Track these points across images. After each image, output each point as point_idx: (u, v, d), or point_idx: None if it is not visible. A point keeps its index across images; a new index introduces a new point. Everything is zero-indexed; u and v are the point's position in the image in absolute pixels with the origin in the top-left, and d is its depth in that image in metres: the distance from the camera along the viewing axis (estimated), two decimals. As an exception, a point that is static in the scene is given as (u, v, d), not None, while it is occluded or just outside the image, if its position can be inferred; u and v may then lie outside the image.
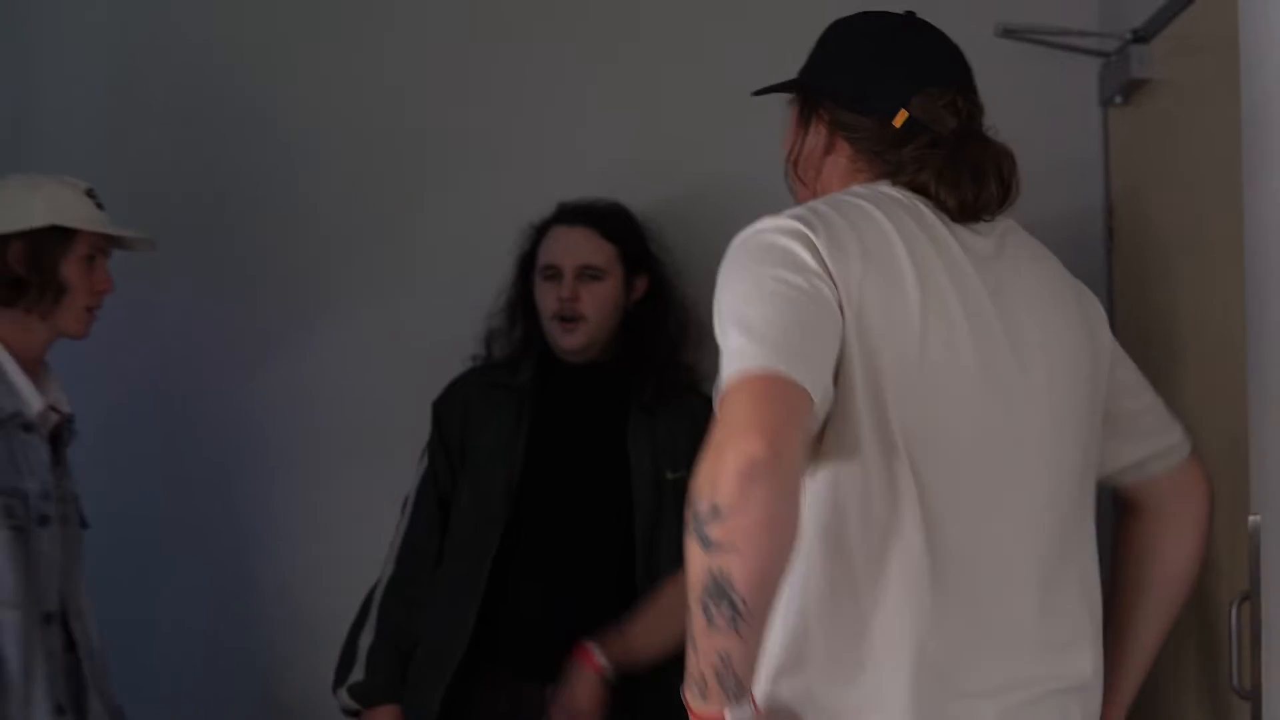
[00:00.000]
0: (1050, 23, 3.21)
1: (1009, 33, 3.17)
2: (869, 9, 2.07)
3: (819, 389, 1.73)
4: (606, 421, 3.00)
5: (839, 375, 1.80)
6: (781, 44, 2.22)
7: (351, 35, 3.49)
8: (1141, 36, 2.96)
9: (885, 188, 1.94)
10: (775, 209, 3.19)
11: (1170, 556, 2.16)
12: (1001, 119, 3.04)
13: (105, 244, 2.68)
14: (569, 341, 3.01)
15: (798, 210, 1.86)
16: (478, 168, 3.40)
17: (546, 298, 3.03)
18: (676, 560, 2.92)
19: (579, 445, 3.00)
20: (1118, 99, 3.13)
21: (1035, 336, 1.94)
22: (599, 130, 3.41)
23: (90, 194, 2.66)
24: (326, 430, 3.40)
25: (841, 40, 2.02)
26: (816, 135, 1.99)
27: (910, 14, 2.01)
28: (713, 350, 3.02)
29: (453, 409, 3.03)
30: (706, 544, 1.63)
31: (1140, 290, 3.03)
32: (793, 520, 1.66)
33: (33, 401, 2.59)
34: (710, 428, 1.70)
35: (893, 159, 1.92)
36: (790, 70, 2.10)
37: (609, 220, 3.09)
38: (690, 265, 3.13)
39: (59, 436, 2.67)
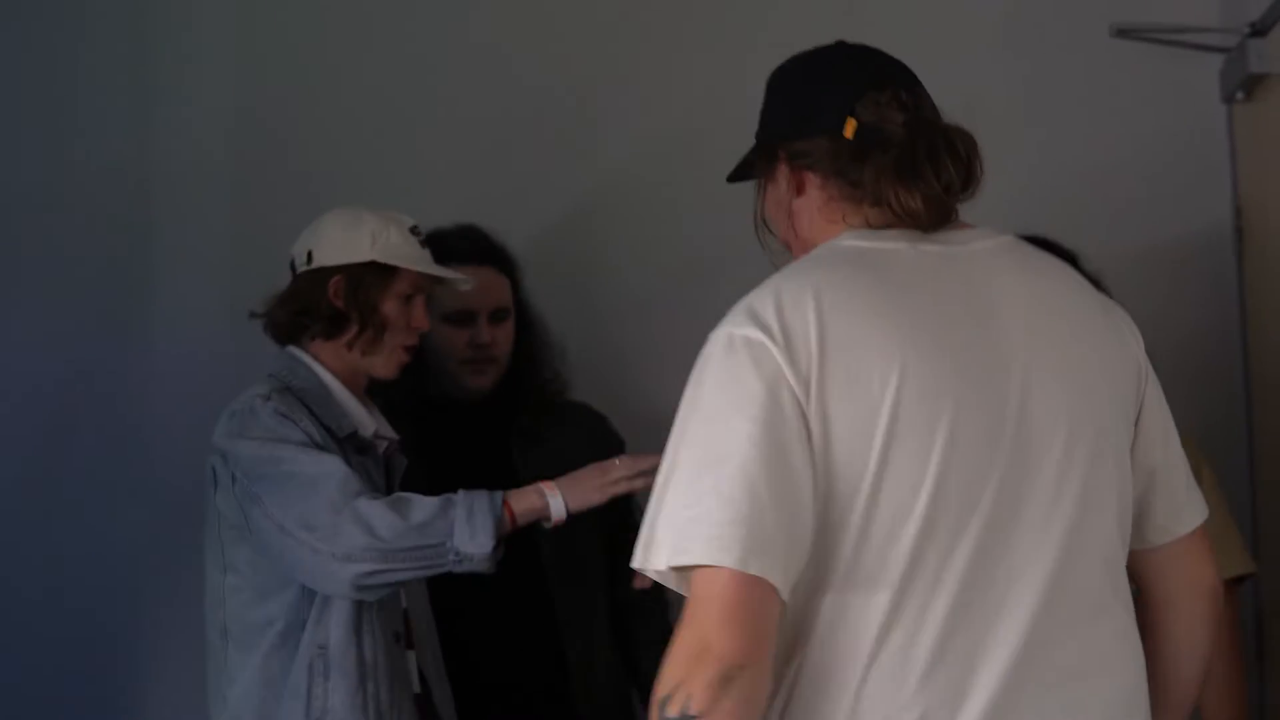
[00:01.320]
0: (1167, 20, 3.12)
1: (1124, 33, 3.09)
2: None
3: (789, 584, 1.66)
4: (488, 456, 2.88)
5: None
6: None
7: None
8: (1260, 30, 2.87)
9: (849, 240, 1.81)
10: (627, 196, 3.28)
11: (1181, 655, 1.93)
12: (1121, 122, 2.99)
13: (425, 283, 2.63)
14: (481, 383, 2.92)
15: (763, 311, 1.72)
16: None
17: (454, 341, 2.90)
18: (590, 566, 2.90)
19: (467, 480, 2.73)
20: (1239, 95, 3.05)
21: (1053, 386, 1.77)
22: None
23: (414, 231, 2.63)
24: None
25: (777, 82, 1.94)
26: (781, 181, 1.89)
27: (840, 42, 1.93)
28: (574, 361, 3.05)
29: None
30: None
31: (1275, 294, 2.94)
32: None
33: (365, 423, 2.58)
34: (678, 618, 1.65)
35: (856, 176, 1.81)
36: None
37: (503, 253, 2.99)
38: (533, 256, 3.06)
39: (391, 462, 2.65)
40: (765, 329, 1.70)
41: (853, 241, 1.80)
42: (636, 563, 1.69)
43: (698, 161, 2.71)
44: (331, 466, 2.42)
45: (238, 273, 3.22)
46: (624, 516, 2.80)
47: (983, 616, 1.70)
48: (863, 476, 1.68)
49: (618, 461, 2.47)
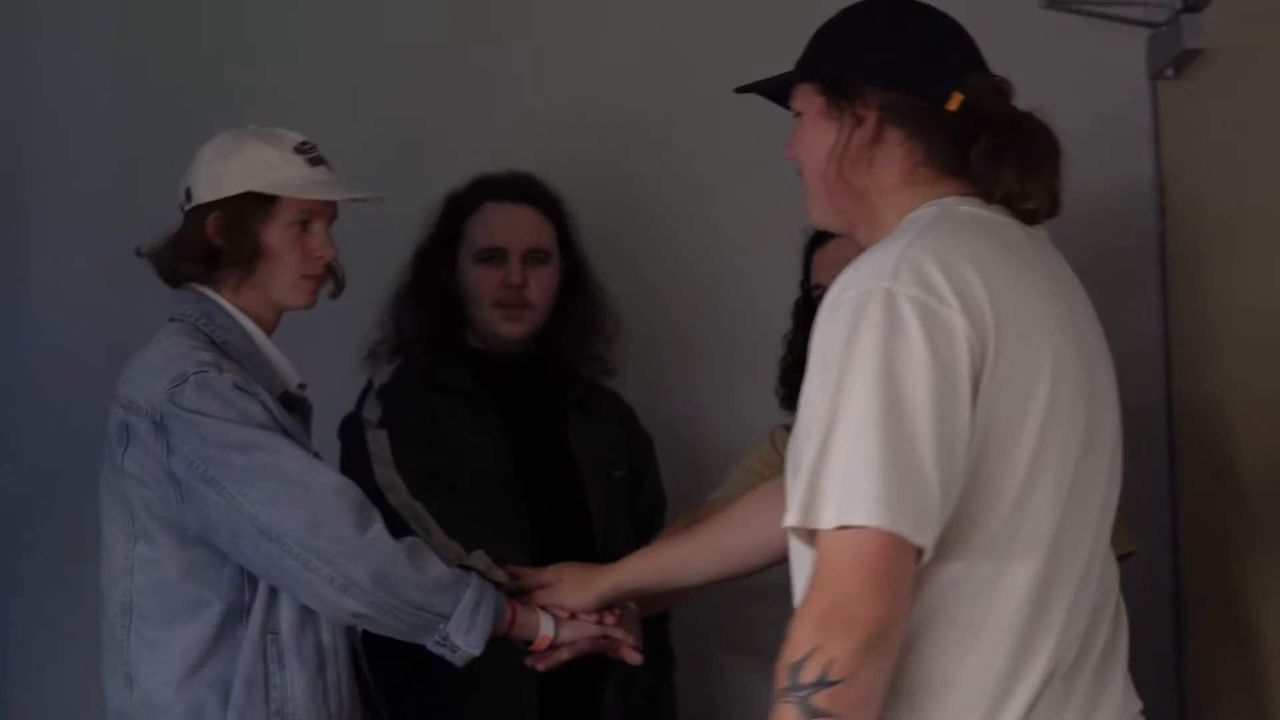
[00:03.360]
0: (1096, -9, 3.06)
1: (1055, 3, 3.02)
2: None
3: (933, 545, 1.65)
4: (544, 420, 2.79)
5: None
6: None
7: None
8: (1193, 5, 2.83)
9: (967, 207, 1.80)
10: (676, 173, 3.19)
11: None
12: (1047, 95, 2.92)
13: (324, 207, 2.38)
14: (512, 330, 2.76)
15: (934, 274, 1.67)
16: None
17: (485, 283, 2.76)
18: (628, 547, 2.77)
19: (525, 444, 2.76)
20: (1168, 72, 3.01)
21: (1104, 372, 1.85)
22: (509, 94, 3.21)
23: (303, 148, 2.37)
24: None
25: (871, 20, 1.87)
26: (858, 126, 1.81)
27: (936, 8, 1.89)
28: (628, 347, 2.94)
29: (413, 413, 2.70)
30: (810, 713, 1.59)
31: (1196, 273, 2.93)
32: (885, 692, 1.64)
33: (291, 376, 2.38)
34: (815, 571, 1.63)
35: (948, 149, 1.79)
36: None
37: (549, 198, 2.84)
38: (601, 249, 2.92)
39: (308, 412, 2.47)
40: (934, 291, 1.66)
41: (972, 209, 1.79)
42: (792, 521, 1.64)
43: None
44: (322, 471, 2.23)
45: (115, 222, 3.14)
46: (653, 506, 2.81)
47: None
48: (1021, 451, 1.69)
49: (612, 619, 2.34)
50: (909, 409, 1.62)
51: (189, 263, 2.35)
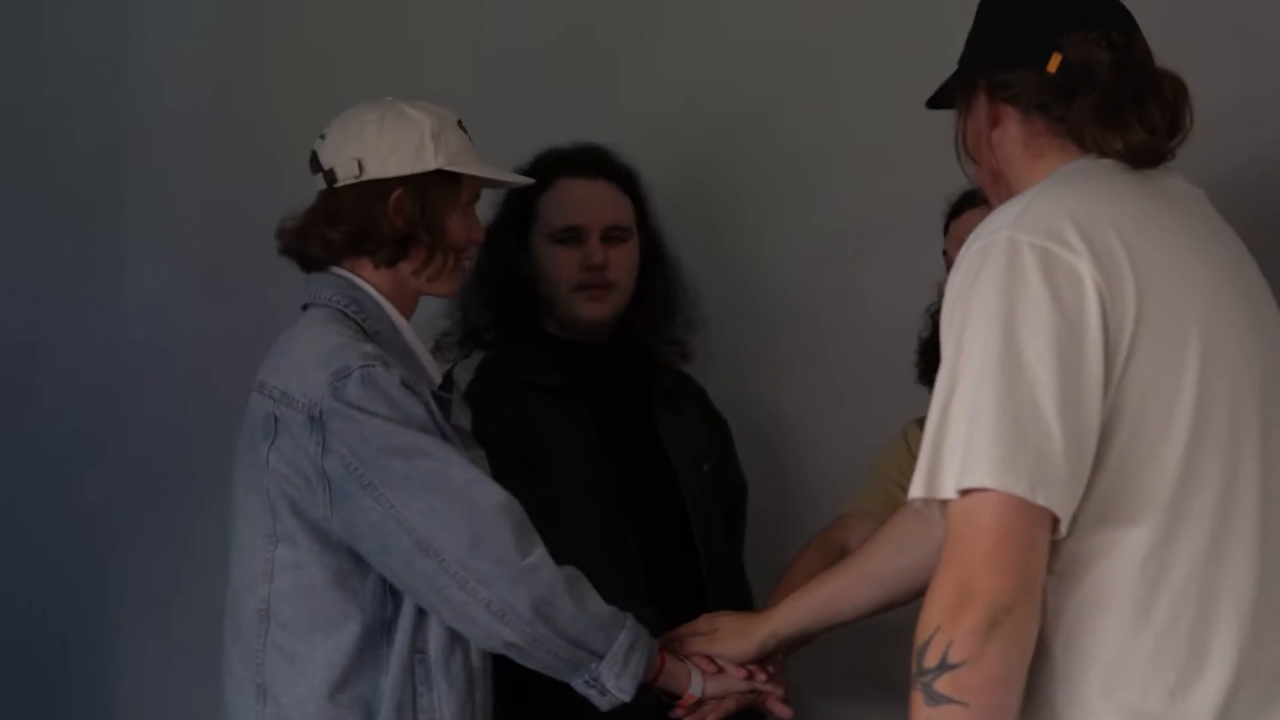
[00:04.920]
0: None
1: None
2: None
3: (1069, 519, 1.58)
4: (633, 415, 2.63)
5: None
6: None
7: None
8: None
9: (1089, 164, 1.78)
10: (770, 154, 2.99)
11: None
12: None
13: (479, 189, 2.29)
14: (596, 312, 2.59)
15: (1060, 222, 1.63)
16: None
17: (564, 264, 2.59)
18: (731, 559, 2.65)
19: (621, 445, 2.58)
20: None
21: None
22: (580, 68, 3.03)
23: (461, 125, 2.26)
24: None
25: (984, 8, 1.92)
26: (979, 111, 1.86)
27: None
28: (704, 321, 2.77)
29: (504, 410, 2.53)
30: (933, 698, 1.54)
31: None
32: (1024, 675, 1.57)
33: (435, 372, 2.25)
34: (945, 542, 1.56)
35: (1061, 112, 1.78)
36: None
37: (625, 172, 2.66)
38: (676, 215, 2.76)
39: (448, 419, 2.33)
40: (1059, 238, 1.61)
41: (1103, 164, 1.76)
42: (917, 492, 1.59)
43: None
44: (486, 485, 2.06)
45: (211, 214, 3.09)
46: (736, 494, 2.70)
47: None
48: (1181, 412, 1.61)
49: (763, 676, 2.22)
50: (1028, 360, 1.55)
51: (375, 245, 2.17)
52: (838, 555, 2.33)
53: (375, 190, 2.16)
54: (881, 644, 2.38)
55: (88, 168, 3.20)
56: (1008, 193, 1.79)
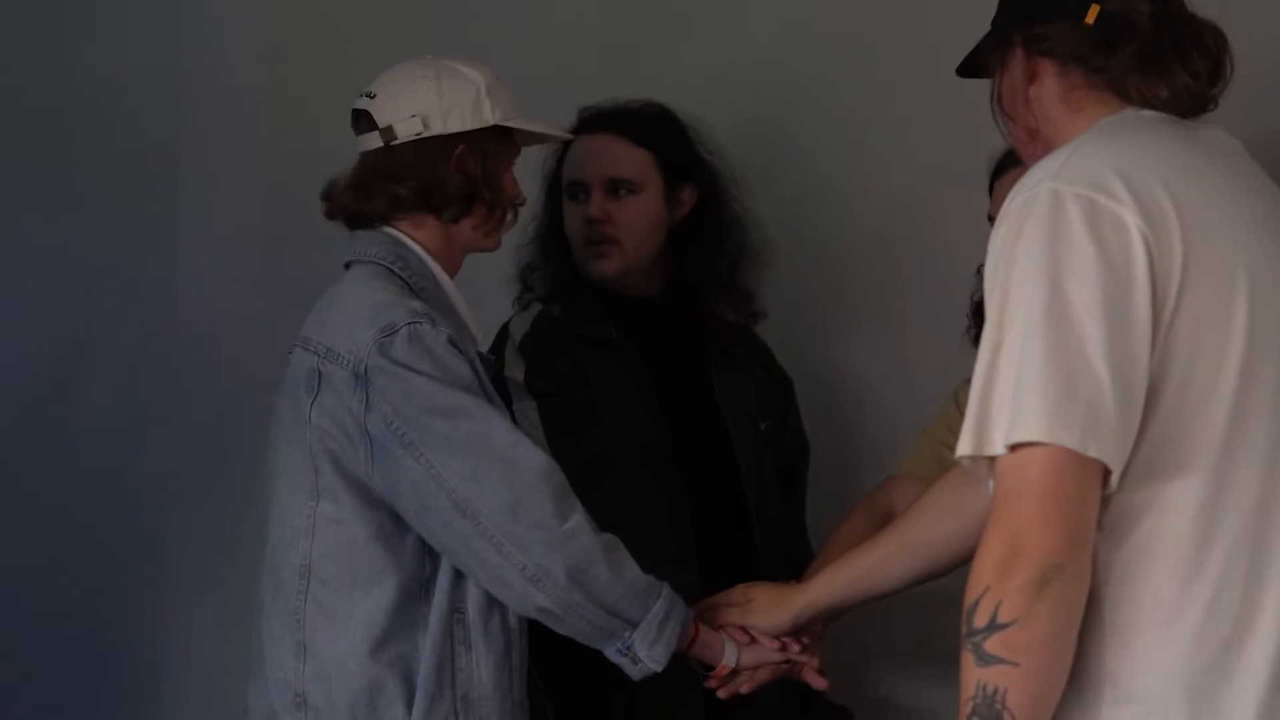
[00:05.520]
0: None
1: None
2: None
3: (1120, 471, 1.53)
4: (688, 370, 2.57)
5: None
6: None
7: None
8: None
9: (1131, 117, 1.73)
10: (843, 113, 2.90)
11: None
12: None
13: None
14: (601, 268, 2.53)
15: (1104, 172, 1.59)
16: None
17: (573, 220, 2.55)
18: (784, 521, 2.57)
19: (675, 401, 2.53)
20: None
21: None
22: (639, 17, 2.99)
23: (500, 81, 2.26)
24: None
25: None
26: (1015, 68, 1.82)
27: None
28: (776, 279, 2.69)
29: (558, 362, 2.50)
30: (983, 659, 1.50)
31: None
32: (1075, 633, 1.53)
33: (478, 336, 2.22)
34: (995, 498, 1.51)
35: (1100, 63, 1.75)
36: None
37: (640, 122, 2.57)
38: (750, 174, 2.65)
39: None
40: (1102, 188, 1.57)
41: (1146, 114, 1.73)
42: (965, 450, 1.54)
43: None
44: (529, 449, 2.02)
45: (270, 192, 3.09)
46: (796, 454, 2.65)
47: None
48: (1230, 362, 1.56)
49: (796, 646, 2.17)
50: (1075, 311, 1.51)
51: (444, 202, 2.14)
52: (883, 519, 2.28)
53: (437, 146, 2.14)
54: (926, 613, 2.36)
55: (141, 154, 3.23)
56: (1044, 150, 1.75)
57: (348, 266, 2.16)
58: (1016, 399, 1.50)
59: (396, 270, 2.11)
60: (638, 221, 2.54)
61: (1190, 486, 1.55)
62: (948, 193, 2.70)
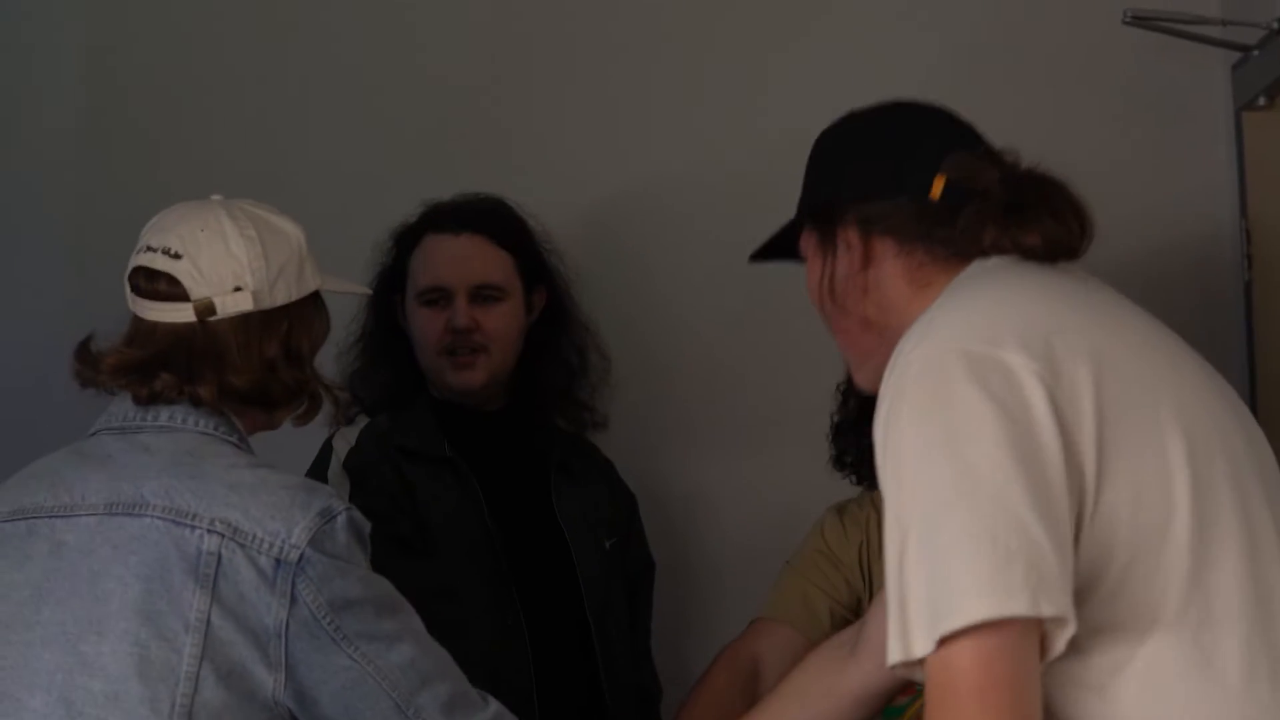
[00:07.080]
0: (1178, 9, 2.73)
1: (1137, 20, 2.69)
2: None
3: (1069, 609, 1.39)
4: (527, 486, 2.46)
5: None
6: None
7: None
8: (1295, 26, 2.57)
9: (1011, 263, 1.62)
10: (690, 206, 2.83)
11: None
12: (1120, 123, 2.67)
13: None
14: (466, 380, 2.41)
15: (975, 322, 1.50)
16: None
17: (430, 328, 2.42)
18: (627, 642, 2.47)
19: (513, 521, 2.42)
20: (1260, 101, 2.72)
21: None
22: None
23: None
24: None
25: (839, 142, 1.79)
26: (847, 251, 1.71)
27: (902, 101, 1.78)
28: (615, 392, 2.63)
29: (386, 483, 2.35)
30: None
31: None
32: None
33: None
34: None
35: (946, 234, 1.64)
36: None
37: (501, 223, 2.47)
38: (590, 275, 2.63)
39: None
40: (991, 341, 1.47)
41: (998, 264, 1.63)
42: (895, 657, 1.39)
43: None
44: (437, 647, 1.86)
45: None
46: (641, 572, 2.53)
47: None
48: (1170, 497, 1.46)
49: None
50: (985, 474, 1.39)
51: (263, 392, 1.85)
52: (748, 675, 2.15)
53: (262, 324, 1.84)
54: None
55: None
56: (877, 342, 1.66)
57: (134, 432, 1.85)
58: (939, 588, 1.37)
59: (234, 442, 1.86)
60: (505, 330, 2.43)
61: (1171, 625, 1.44)
62: (789, 311, 2.54)
